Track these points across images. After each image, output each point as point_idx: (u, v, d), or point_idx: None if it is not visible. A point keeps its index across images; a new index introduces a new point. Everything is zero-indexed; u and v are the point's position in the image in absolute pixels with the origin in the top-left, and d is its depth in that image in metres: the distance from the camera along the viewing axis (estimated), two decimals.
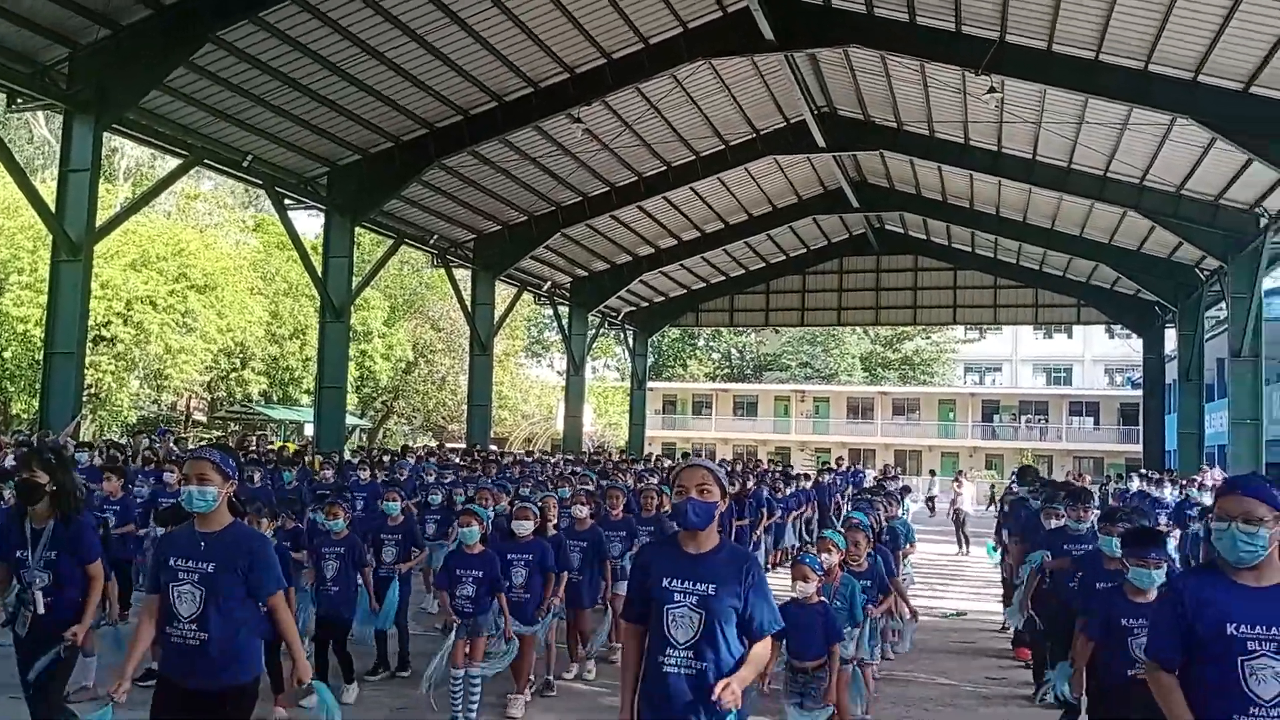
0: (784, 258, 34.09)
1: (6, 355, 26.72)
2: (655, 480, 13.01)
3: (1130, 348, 43.01)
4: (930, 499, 30.76)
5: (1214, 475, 16.43)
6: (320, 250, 21.43)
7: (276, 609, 4.17)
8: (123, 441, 20.28)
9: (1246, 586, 3.12)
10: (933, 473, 36.89)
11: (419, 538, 8.81)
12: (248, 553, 4.07)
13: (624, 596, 3.64)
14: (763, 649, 3.53)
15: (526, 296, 31.64)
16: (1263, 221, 20.24)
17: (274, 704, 6.73)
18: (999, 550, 11.08)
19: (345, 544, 7.54)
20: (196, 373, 31.38)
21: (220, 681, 3.99)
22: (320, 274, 20.51)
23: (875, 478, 21.95)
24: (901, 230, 32.13)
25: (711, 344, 63.70)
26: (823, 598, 5.82)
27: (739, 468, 19.75)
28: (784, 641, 5.73)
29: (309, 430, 29.06)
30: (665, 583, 3.51)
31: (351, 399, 34.07)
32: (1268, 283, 22.84)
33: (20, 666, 5.08)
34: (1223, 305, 24.17)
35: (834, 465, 23.74)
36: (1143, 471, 20.09)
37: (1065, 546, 7.16)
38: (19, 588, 5.07)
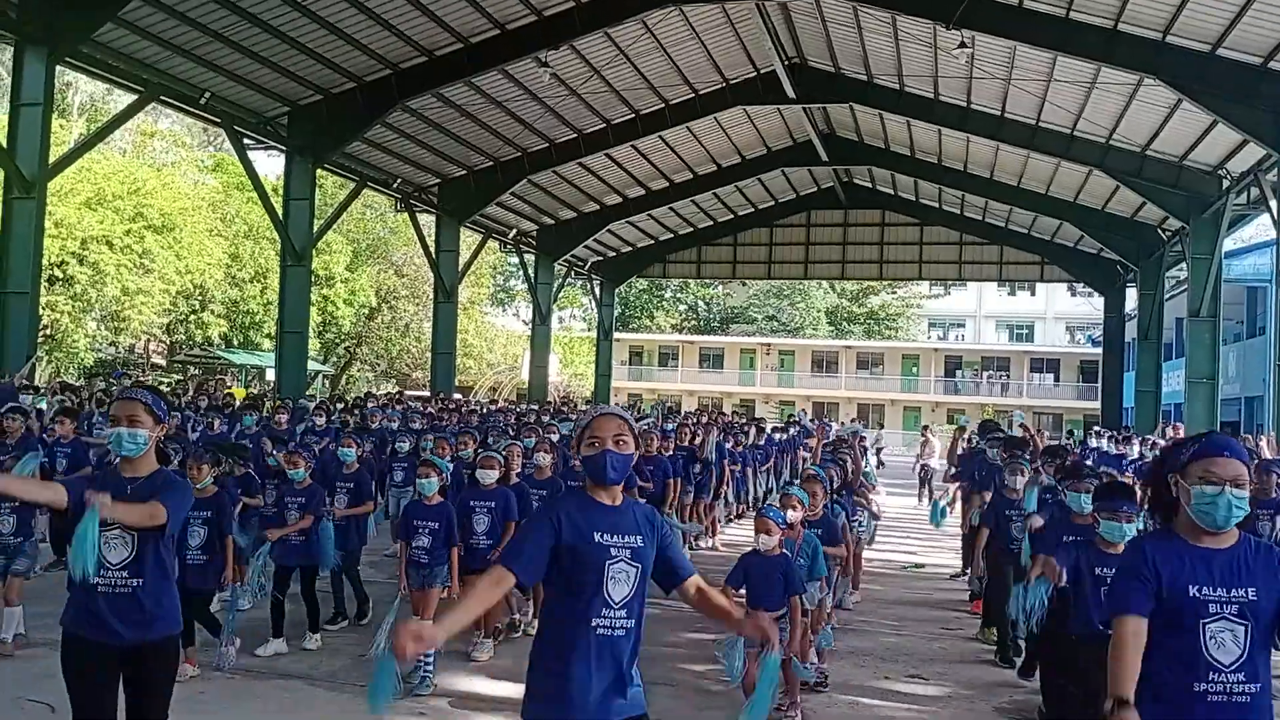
0: (752, 210, 33.98)
1: None
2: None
3: (1091, 306, 43.48)
4: (877, 451, 30.95)
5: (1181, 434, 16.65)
6: (281, 192, 21.03)
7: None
8: (78, 384, 19.95)
9: (1206, 549, 3.06)
10: (880, 425, 37.16)
11: (370, 486, 8.68)
12: (161, 485, 3.88)
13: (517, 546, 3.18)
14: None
15: (492, 244, 31.35)
16: (1225, 183, 20.41)
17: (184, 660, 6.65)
18: (945, 514, 11.10)
19: (307, 493, 7.51)
20: (155, 315, 30.87)
21: (152, 632, 3.86)
22: (281, 216, 20.14)
23: (836, 433, 22.10)
24: (869, 185, 32.09)
25: (679, 295, 63.67)
26: (784, 550, 5.85)
27: (703, 419, 19.81)
28: (743, 591, 5.78)
29: (270, 375, 28.76)
30: (598, 537, 3.15)
31: (314, 344, 33.70)
32: (1227, 244, 23.08)
33: None
34: (1183, 265, 24.44)
35: (798, 419, 23.92)
36: (1097, 429, 20.37)
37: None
38: None
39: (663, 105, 23.84)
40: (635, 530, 3.22)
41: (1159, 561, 3.07)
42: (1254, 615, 2.98)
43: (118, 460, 3.96)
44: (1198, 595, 2.98)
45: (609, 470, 3.18)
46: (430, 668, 6.60)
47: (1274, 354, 16.92)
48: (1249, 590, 2.99)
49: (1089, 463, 8.67)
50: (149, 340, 36.19)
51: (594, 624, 3.13)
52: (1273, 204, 17.89)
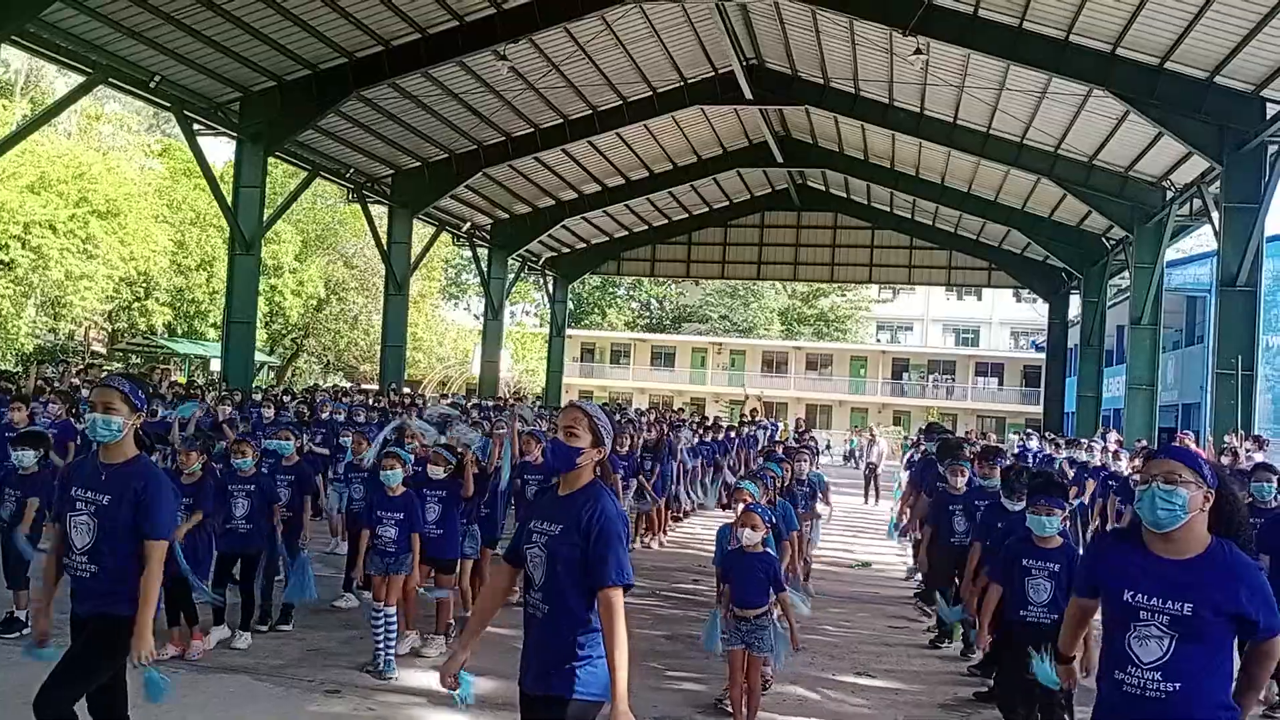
0: (706, 209, 34.09)
1: None
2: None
3: (1036, 312, 44.31)
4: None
5: (1114, 438, 17.04)
6: (230, 179, 20.67)
7: (150, 558, 3.96)
8: (15, 371, 19.46)
9: (1159, 557, 3.06)
10: (828, 426, 37.54)
11: (312, 480, 8.43)
12: (141, 490, 3.98)
13: None
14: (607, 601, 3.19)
15: (445, 236, 31.10)
16: (1169, 195, 20.88)
17: (170, 641, 6.62)
18: (900, 528, 11.48)
19: (254, 481, 7.39)
20: (98, 301, 30.21)
21: (99, 609, 3.97)
22: (230, 204, 19.79)
23: (792, 434, 22.30)
24: (823, 187, 32.37)
25: (632, 293, 63.66)
26: (768, 548, 5.89)
27: (653, 416, 19.88)
28: (727, 587, 5.82)
29: (215, 365, 28.27)
30: (531, 524, 3.44)
31: (260, 335, 33.18)
32: (1169, 254, 23.62)
33: None
34: (1125, 274, 24.97)
35: (750, 418, 24.09)
36: (1027, 431, 20.77)
37: (977, 503, 7.43)
38: None
39: (620, 102, 23.83)
40: (560, 519, 3.35)
41: (1105, 558, 3.30)
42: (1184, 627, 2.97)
43: (96, 447, 4.09)
44: (1130, 601, 3.06)
45: (548, 455, 3.49)
46: (391, 654, 6.65)
47: (1212, 362, 17.32)
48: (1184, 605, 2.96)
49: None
50: (89, 328, 35.40)
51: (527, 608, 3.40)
52: (1214, 215, 18.31)
